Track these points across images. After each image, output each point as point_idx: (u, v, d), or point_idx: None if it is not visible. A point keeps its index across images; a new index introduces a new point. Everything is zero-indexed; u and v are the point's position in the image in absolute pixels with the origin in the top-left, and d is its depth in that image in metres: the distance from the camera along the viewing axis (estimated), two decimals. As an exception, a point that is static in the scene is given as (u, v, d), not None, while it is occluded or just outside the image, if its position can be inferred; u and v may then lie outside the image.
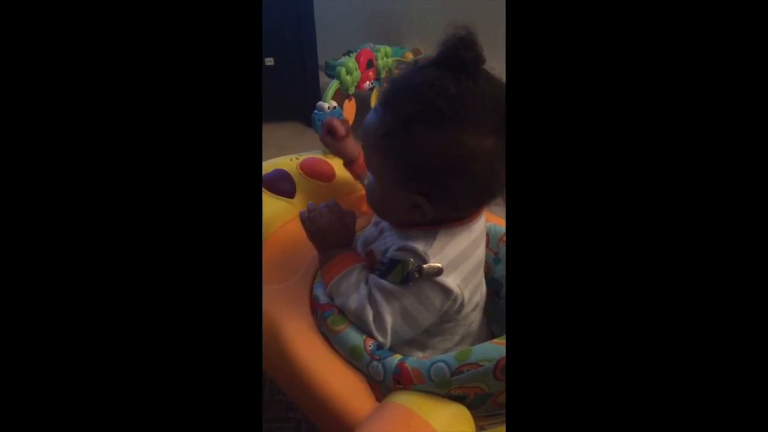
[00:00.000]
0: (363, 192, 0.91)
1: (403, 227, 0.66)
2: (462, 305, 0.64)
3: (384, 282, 0.63)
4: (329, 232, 0.71)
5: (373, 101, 1.87)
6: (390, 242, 0.65)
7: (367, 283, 0.66)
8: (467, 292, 0.64)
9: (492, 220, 0.80)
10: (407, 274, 0.61)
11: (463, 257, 0.64)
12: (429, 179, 0.59)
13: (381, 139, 0.60)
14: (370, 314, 0.63)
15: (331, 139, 0.85)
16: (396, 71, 1.99)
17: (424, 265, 0.60)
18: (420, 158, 0.58)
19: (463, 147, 0.56)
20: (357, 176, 0.88)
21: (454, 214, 0.63)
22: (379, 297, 0.63)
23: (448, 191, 0.60)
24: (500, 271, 0.78)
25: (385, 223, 0.70)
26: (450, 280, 0.62)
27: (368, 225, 0.76)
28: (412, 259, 0.61)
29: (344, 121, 0.86)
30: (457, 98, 0.55)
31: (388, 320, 0.63)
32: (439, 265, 0.61)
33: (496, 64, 0.56)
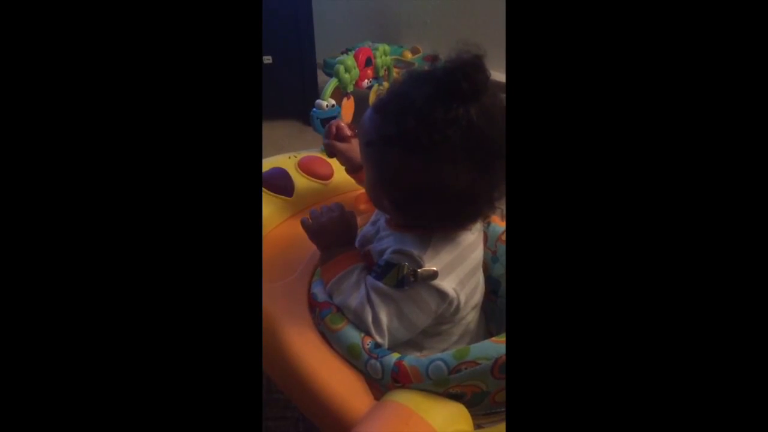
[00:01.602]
0: (361, 191, 0.91)
1: (398, 228, 0.66)
2: (458, 308, 0.64)
3: (380, 284, 0.63)
4: (331, 230, 0.71)
5: (372, 100, 1.87)
6: (386, 243, 0.65)
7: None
8: (463, 295, 0.64)
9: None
10: (402, 278, 0.61)
11: (459, 260, 0.64)
12: (396, 192, 0.61)
13: (364, 145, 0.63)
14: (369, 314, 0.63)
15: (338, 144, 0.83)
16: (396, 71, 1.99)
17: (419, 270, 0.60)
18: (389, 174, 0.60)
19: (433, 178, 0.56)
20: (361, 183, 0.87)
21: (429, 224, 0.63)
22: (375, 298, 0.63)
23: (414, 209, 0.61)
24: (498, 269, 0.78)
25: (381, 223, 0.70)
26: (446, 284, 0.62)
27: (366, 224, 0.76)
28: (407, 263, 0.61)
29: (350, 126, 0.85)
30: (439, 128, 0.53)
31: (384, 321, 0.63)
32: (435, 268, 0.61)
33: (495, 64, 0.56)
